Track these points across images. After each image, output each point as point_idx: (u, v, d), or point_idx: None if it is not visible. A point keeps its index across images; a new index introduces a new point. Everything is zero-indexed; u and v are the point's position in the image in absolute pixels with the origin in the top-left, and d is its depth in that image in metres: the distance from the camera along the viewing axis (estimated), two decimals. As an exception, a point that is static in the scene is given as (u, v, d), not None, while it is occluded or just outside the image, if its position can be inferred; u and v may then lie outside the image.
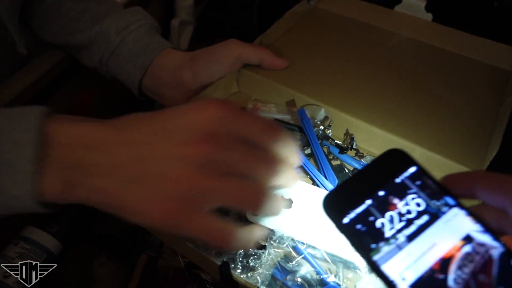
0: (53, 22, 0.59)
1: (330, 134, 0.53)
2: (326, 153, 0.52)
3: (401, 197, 0.26)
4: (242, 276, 0.41)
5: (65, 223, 0.62)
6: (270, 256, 0.42)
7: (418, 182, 0.26)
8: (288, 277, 0.41)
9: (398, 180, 0.26)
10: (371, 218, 0.25)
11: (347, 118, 0.53)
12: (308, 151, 0.51)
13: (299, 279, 0.40)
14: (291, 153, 0.33)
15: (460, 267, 0.23)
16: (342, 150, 0.52)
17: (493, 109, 0.58)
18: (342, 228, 0.25)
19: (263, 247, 0.42)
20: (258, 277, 0.40)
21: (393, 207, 0.25)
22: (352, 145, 0.52)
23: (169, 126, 0.30)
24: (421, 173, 0.26)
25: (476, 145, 0.52)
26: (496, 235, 0.24)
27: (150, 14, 0.61)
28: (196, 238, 0.30)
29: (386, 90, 0.59)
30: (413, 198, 0.26)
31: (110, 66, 0.58)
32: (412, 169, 0.26)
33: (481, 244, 0.24)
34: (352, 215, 0.25)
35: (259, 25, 0.89)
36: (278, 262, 0.41)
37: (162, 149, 0.29)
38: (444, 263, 0.23)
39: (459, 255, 0.24)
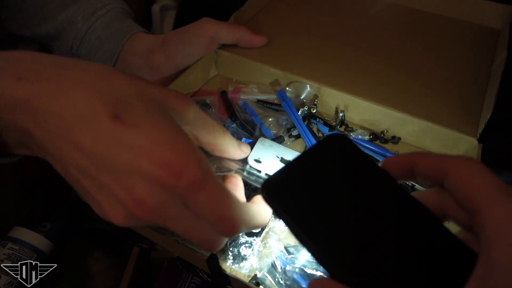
0: (20, 14, 0.53)
1: (315, 112, 0.48)
2: (316, 132, 0.46)
3: (345, 181, 0.24)
4: (233, 267, 0.36)
5: (58, 221, 0.58)
6: (267, 245, 0.37)
7: (360, 166, 0.24)
8: (288, 267, 0.36)
9: (341, 164, 0.24)
10: (314, 203, 0.23)
11: (334, 93, 0.47)
12: (295, 132, 0.46)
13: (298, 269, 0.36)
14: None
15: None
16: (331, 127, 0.46)
17: (484, 69, 0.53)
18: (284, 214, 0.23)
19: (255, 234, 0.38)
20: (251, 267, 0.36)
21: (337, 190, 0.23)
22: (343, 121, 0.47)
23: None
24: (362, 158, 0.24)
25: (469, 109, 0.46)
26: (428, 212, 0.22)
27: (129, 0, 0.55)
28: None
29: (372, 60, 0.53)
30: (356, 181, 0.24)
31: (80, 55, 0.52)
32: (354, 154, 0.25)
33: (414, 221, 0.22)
34: (295, 200, 0.23)
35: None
36: (280, 251, 0.37)
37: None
38: (385, 240, 0.22)
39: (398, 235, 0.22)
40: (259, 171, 0.38)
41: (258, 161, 0.39)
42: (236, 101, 0.49)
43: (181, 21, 0.88)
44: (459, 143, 0.43)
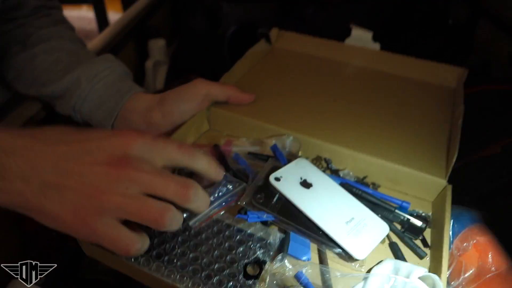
0: (27, 74, 0.55)
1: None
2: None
3: None
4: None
5: (53, 273, 0.56)
6: (266, 286, 0.37)
7: None
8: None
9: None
10: None
11: (317, 143, 0.50)
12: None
13: None
14: (207, 168, 0.35)
15: None
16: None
17: (446, 121, 0.57)
18: None
19: (254, 277, 0.37)
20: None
21: None
22: (331, 169, 0.50)
23: (89, 147, 0.30)
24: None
25: (437, 155, 0.51)
26: None
27: (123, 57, 0.58)
28: (104, 245, 0.30)
29: (348, 115, 0.57)
30: None
31: (82, 112, 0.53)
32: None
33: None
34: None
35: (231, 58, 0.86)
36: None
37: (81, 167, 0.29)
38: None
39: None
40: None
41: (277, 179, 0.43)
42: (228, 153, 0.51)
43: (172, 75, 0.92)
44: (432, 186, 0.47)
